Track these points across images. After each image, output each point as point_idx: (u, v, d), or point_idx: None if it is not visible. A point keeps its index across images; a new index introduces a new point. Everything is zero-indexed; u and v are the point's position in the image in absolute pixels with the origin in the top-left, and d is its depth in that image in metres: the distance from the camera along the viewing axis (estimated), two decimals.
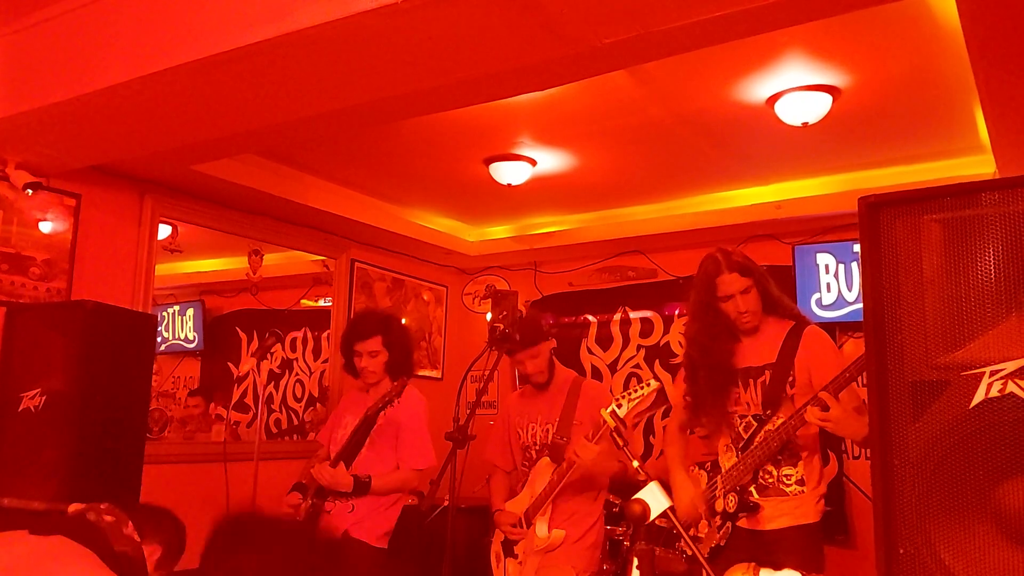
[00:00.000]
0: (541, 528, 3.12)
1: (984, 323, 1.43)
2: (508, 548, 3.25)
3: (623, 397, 2.77)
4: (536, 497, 3.19)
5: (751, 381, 2.89)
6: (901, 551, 1.44)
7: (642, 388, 2.78)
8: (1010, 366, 1.38)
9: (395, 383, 3.37)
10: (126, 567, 1.90)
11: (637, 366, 5.40)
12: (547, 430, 3.28)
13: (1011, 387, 1.37)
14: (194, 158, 3.69)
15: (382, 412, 3.35)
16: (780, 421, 2.75)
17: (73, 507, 1.99)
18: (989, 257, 1.43)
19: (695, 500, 2.87)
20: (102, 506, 1.98)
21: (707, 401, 2.92)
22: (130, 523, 1.99)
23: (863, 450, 4.49)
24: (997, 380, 1.39)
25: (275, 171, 4.38)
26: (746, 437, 2.83)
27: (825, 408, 2.50)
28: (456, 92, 2.86)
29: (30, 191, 3.47)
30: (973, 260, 1.45)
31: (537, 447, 3.30)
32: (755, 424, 2.82)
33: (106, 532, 1.91)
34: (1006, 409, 1.37)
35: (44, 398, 2.98)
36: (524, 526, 3.20)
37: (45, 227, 3.62)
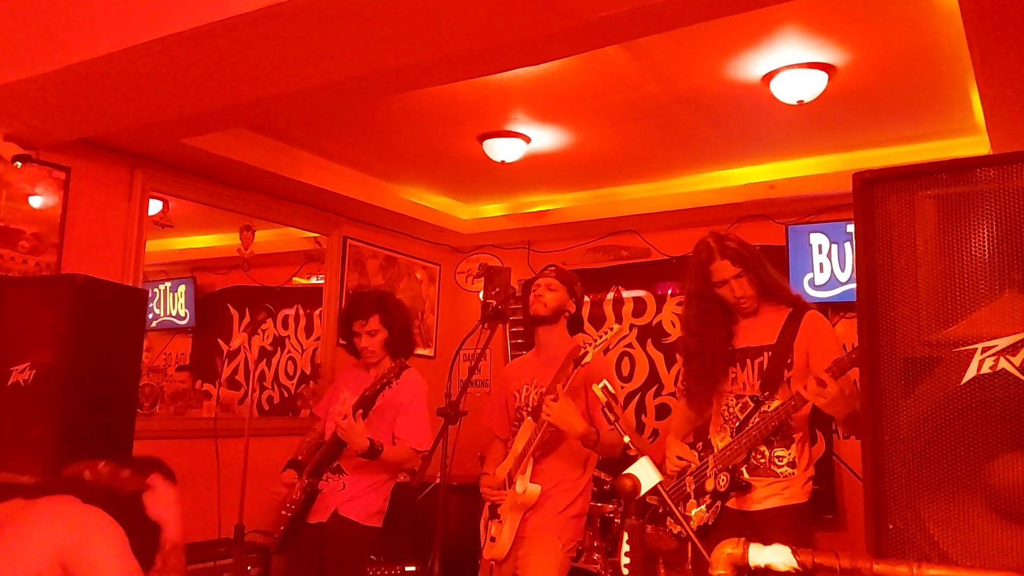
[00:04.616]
0: (520, 483, 3.12)
1: (977, 300, 1.42)
2: (494, 512, 3.26)
3: (589, 344, 2.98)
4: (516, 455, 3.20)
5: (749, 361, 2.89)
6: (890, 526, 1.44)
7: (605, 333, 3.01)
8: (1002, 342, 1.37)
9: (393, 364, 3.36)
10: (134, 508, 1.92)
11: (630, 345, 5.40)
12: (539, 392, 3.28)
13: (1003, 363, 1.36)
14: (185, 131, 3.66)
15: (380, 394, 3.35)
16: (777, 403, 2.75)
17: (69, 470, 1.99)
18: (983, 234, 1.42)
19: (685, 452, 2.92)
20: (100, 464, 1.99)
21: (704, 387, 2.94)
22: (126, 468, 2.00)
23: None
24: (989, 356, 1.38)
25: (267, 146, 4.35)
26: (742, 417, 2.83)
27: (823, 385, 2.51)
28: (449, 66, 2.83)
29: (19, 164, 3.44)
30: (967, 237, 1.44)
31: (527, 409, 3.30)
32: (752, 405, 2.82)
33: (107, 481, 1.93)
34: (997, 385, 1.37)
35: (34, 372, 2.96)
36: (506, 487, 3.21)
37: (35, 201, 3.59)
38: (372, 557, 3.92)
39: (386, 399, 3.43)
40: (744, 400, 2.85)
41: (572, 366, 3.01)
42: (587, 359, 2.97)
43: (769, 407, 2.77)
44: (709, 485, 2.83)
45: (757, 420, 2.78)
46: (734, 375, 2.91)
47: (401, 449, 3.50)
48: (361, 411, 3.31)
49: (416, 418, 3.54)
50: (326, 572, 3.43)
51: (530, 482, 3.14)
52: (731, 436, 2.84)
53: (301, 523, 3.48)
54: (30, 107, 3.17)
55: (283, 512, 3.50)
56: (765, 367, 2.84)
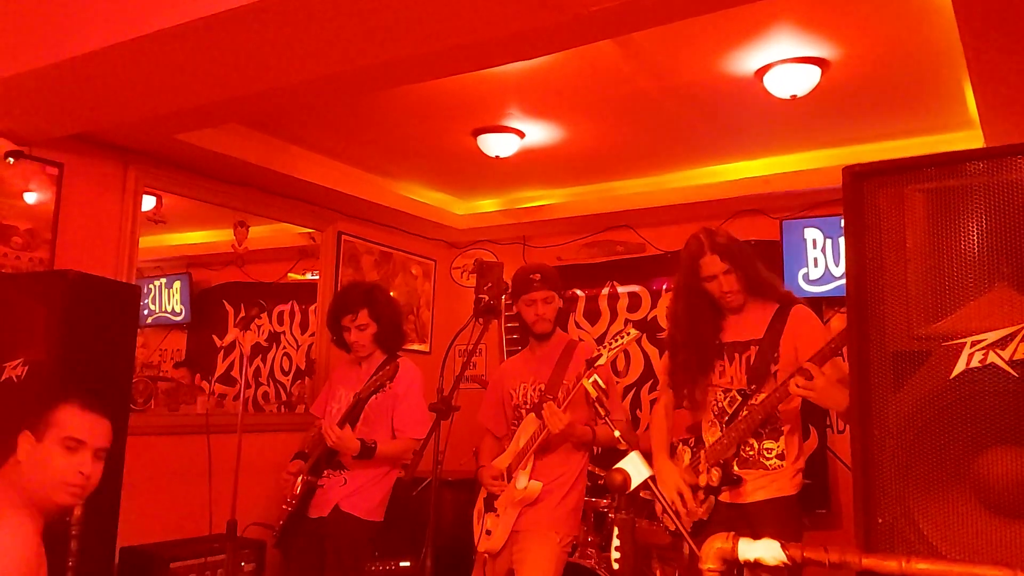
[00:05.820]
0: (521, 480, 3.14)
1: (966, 294, 1.42)
2: (489, 504, 3.26)
3: (605, 347, 2.96)
4: (518, 451, 3.21)
5: (736, 355, 2.91)
6: (880, 520, 1.44)
7: (622, 337, 2.97)
8: (991, 336, 1.37)
9: (387, 367, 3.36)
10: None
11: None
12: (537, 389, 3.28)
13: (992, 357, 1.36)
14: (178, 127, 3.64)
15: (374, 396, 3.35)
16: (764, 396, 2.77)
17: None
18: (972, 228, 1.43)
19: (680, 487, 2.87)
20: None
21: (689, 379, 2.95)
22: None
23: (848, 425, 4.51)
24: (978, 350, 1.38)
25: (261, 142, 4.34)
26: (731, 412, 2.85)
27: (809, 378, 2.51)
28: (442, 60, 2.82)
29: (11, 159, 3.43)
30: (956, 231, 1.44)
31: (527, 407, 3.31)
32: (739, 399, 2.84)
33: None
34: (986, 379, 1.37)
35: (26, 368, 2.95)
36: (506, 479, 3.22)
37: (28, 197, 3.58)
38: (377, 553, 3.93)
39: (382, 392, 3.44)
40: (732, 394, 2.87)
41: (584, 367, 2.99)
42: (601, 362, 2.97)
43: (757, 400, 2.80)
44: (702, 480, 2.84)
45: (745, 413, 2.81)
46: (721, 368, 2.93)
47: (399, 442, 3.50)
48: (348, 424, 3.32)
49: (413, 408, 3.54)
50: (326, 567, 3.43)
51: (530, 479, 3.16)
52: (720, 430, 2.86)
53: (300, 518, 3.48)
54: (22, 103, 3.16)
55: (283, 506, 3.50)
56: (752, 361, 2.86)
